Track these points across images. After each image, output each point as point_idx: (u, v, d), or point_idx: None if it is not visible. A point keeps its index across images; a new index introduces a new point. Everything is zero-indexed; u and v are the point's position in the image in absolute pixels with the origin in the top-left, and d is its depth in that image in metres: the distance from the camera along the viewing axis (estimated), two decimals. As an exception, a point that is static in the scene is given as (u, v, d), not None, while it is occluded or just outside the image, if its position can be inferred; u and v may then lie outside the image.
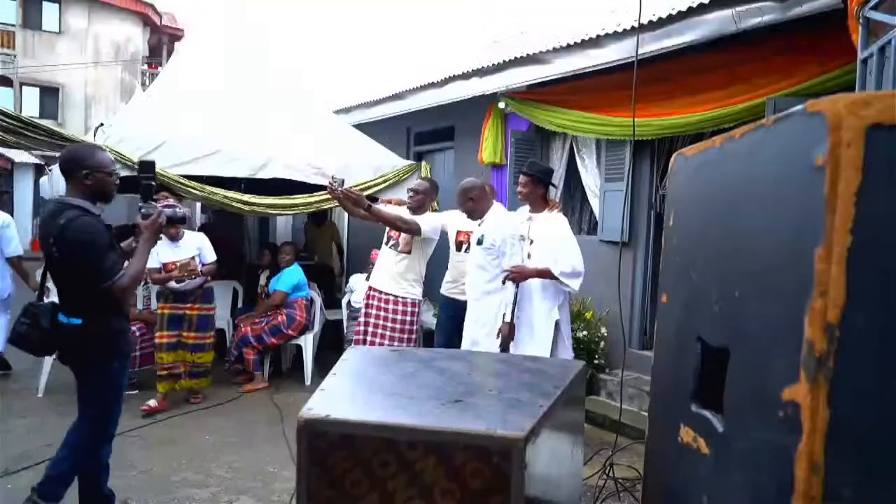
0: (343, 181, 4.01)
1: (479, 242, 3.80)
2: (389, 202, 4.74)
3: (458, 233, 4.34)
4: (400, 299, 4.17)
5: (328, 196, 4.44)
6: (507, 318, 3.54)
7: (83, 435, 2.57)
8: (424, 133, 7.54)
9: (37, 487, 2.57)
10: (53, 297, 2.66)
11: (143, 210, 2.63)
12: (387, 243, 4.30)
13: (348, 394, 1.32)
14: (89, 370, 2.53)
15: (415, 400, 1.23)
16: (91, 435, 2.58)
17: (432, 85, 6.41)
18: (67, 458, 2.56)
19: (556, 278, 3.44)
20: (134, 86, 17.90)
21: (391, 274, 4.20)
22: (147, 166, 2.78)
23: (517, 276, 3.49)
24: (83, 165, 2.51)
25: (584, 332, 4.92)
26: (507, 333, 3.55)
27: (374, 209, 3.98)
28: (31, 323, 2.54)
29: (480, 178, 4.44)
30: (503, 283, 3.55)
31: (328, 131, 5.81)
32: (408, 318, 4.17)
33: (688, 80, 4.42)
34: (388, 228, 4.31)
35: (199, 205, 10.27)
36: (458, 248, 4.32)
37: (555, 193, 5.77)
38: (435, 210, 5.34)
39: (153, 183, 2.76)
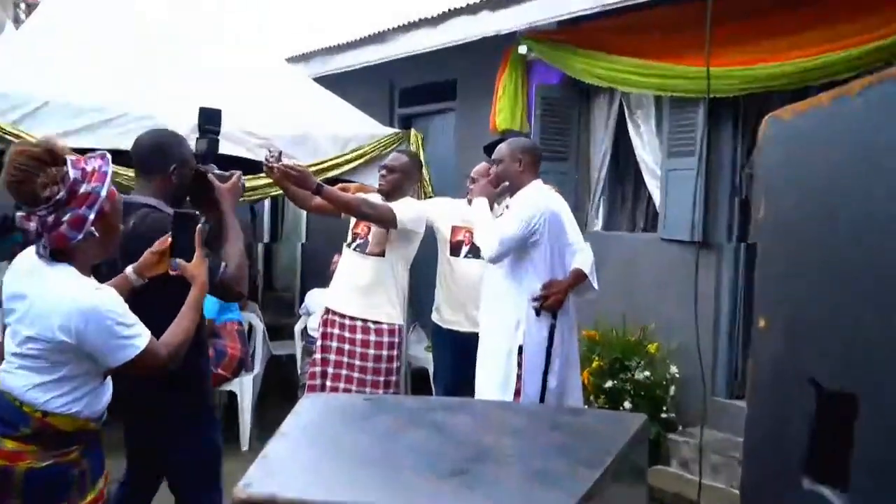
0: (280, 153, 3.97)
1: None
2: (363, 188, 4.74)
3: (455, 230, 4.32)
4: (372, 325, 4.15)
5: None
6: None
7: None
8: (414, 90, 7.54)
9: None
10: None
11: (216, 172, 2.85)
12: (350, 244, 4.29)
13: (302, 463, 1.31)
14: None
15: (399, 471, 1.22)
16: None
17: (425, 22, 6.43)
18: None
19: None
20: (3, 21, 17.88)
21: (357, 288, 4.18)
22: (211, 116, 3.03)
23: (556, 301, 3.54)
24: (173, 159, 2.74)
25: (647, 373, 4.91)
26: None
27: (326, 191, 3.95)
28: None
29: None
30: (537, 313, 3.55)
31: (280, 88, 5.82)
32: (384, 351, 4.16)
33: (784, 11, 4.41)
34: (351, 222, 4.30)
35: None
36: (455, 253, 4.30)
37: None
38: (429, 196, 5.35)
39: (218, 138, 3.02)
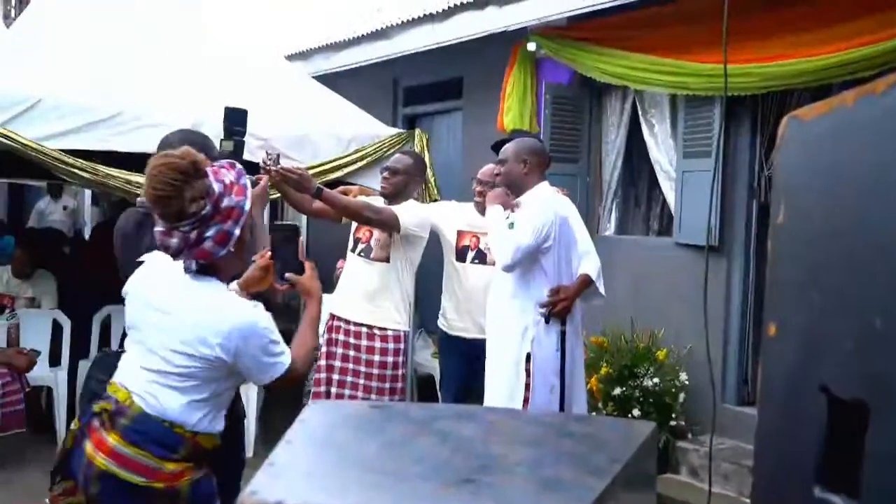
0: (278, 155, 3.95)
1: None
2: (365, 191, 4.75)
3: (461, 234, 4.33)
4: (377, 332, 4.17)
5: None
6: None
7: None
8: (419, 88, 7.55)
9: None
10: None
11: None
12: (353, 249, 4.31)
13: (309, 470, 1.33)
14: None
15: (406, 479, 1.23)
16: None
17: (430, 17, 6.43)
18: None
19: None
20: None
21: (363, 294, 4.21)
22: (237, 117, 2.97)
23: (564, 308, 3.57)
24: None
25: (655, 380, 4.93)
26: None
27: (326, 195, 3.96)
28: (108, 379, 2.58)
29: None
30: (546, 320, 3.57)
31: (279, 86, 5.83)
32: (390, 358, 4.18)
33: (804, 5, 4.41)
34: (353, 226, 4.31)
35: (88, 194, 10.32)
36: (461, 258, 4.32)
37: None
38: (435, 200, 5.36)
39: (244, 140, 2.95)
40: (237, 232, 2.14)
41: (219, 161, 2.25)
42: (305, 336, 2.40)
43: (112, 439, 2.13)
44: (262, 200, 2.79)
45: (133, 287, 2.31)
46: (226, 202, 2.12)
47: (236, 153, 2.97)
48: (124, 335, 2.77)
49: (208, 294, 2.16)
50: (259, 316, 2.19)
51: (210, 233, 2.09)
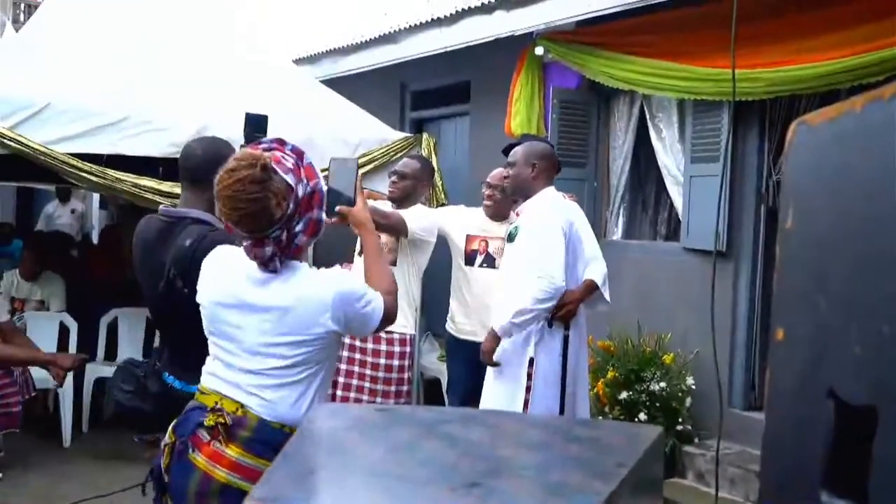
0: None
1: (511, 239, 3.78)
2: (373, 195, 4.76)
3: (469, 238, 4.33)
4: (383, 335, 4.17)
5: None
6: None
7: None
8: (427, 92, 7.57)
9: None
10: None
11: None
12: (360, 253, 4.31)
13: (313, 473, 1.32)
14: None
15: (412, 483, 1.23)
16: None
17: (438, 22, 6.45)
18: None
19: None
20: (3, 23, 18.05)
21: None
22: (258, 122, 2.96)
23: (568, 312, 3.57)
24: None
25: (662, 384, 4.92)
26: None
27: None
28: (135, 390, 2.59)
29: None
30: (549, 324, 3.57)
31: (286, 90, 5.85)
32: (396, 361, 4.18)
33: (812, 10, 4.42)
34: None
35: (96, 198, 10.36)
36: (470, 262, 4.32)
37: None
38: (442, 204, 5.37)
39: None
40: (324, 216, 2.09)
41: (262, 141, 2.15)
42: (376, 269, 2.31)
43: (233, 452, 2.04)
44: None
45: (209, 293, 2.20)
46: (301, 190, 2.03)
47: None
48: (146, 343, 2.74)
49: (299, 278, 2.09)
50: (344, 276, 2.17)
51: (299, 227, 2.03)
